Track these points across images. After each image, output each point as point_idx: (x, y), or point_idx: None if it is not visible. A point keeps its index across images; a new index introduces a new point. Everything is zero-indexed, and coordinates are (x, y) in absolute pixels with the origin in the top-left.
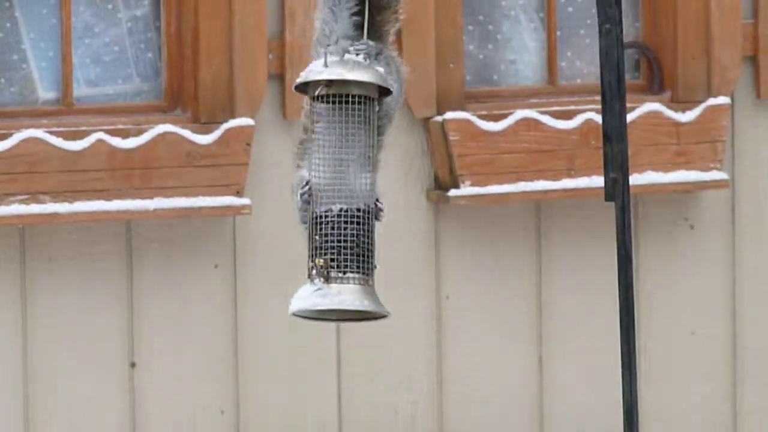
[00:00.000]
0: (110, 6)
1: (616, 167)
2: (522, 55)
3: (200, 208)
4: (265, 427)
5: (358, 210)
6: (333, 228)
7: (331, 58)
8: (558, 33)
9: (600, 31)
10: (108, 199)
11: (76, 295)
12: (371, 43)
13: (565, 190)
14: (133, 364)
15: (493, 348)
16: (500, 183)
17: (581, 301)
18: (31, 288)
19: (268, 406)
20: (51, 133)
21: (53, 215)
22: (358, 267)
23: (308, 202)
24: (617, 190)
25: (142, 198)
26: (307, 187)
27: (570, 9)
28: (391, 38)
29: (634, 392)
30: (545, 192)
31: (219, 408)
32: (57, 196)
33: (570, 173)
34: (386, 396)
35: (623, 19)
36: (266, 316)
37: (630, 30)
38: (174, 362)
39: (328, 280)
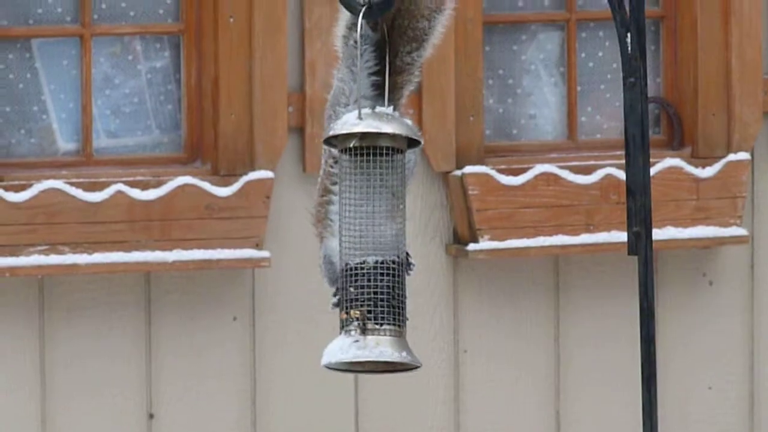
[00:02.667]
0: (130, 57)
1: (639, 221)
2: (542, 109)
3: (219, 261)
4: None
5: (393, 262)
6: (369, 280)
7: (364, 111)
8: (578, 88)
9: (624, 84)
10: (127, 250)
11: (95, 345)
12: (393, 111)
13: (584, 245)
14: (151, 416)
15: (510, 402)
16: (519, 237)
17: (599, 355)
18: (50, 338)
19: None
20: (70, 184)
21: (72, 266)
22: (393, 319)
23: (338, 303)
24: (640, 244)
25: (162, 250)
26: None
27: (591, 64)
28: (405, 100)
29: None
30: (564, 247)
31: None
32: (76, 246)
33: (589, 228)
34: (407, 430)
35: (648, 75)
36: (284, 368)
37: (651, 85)
38: (192, 414)
39: (365, 332)
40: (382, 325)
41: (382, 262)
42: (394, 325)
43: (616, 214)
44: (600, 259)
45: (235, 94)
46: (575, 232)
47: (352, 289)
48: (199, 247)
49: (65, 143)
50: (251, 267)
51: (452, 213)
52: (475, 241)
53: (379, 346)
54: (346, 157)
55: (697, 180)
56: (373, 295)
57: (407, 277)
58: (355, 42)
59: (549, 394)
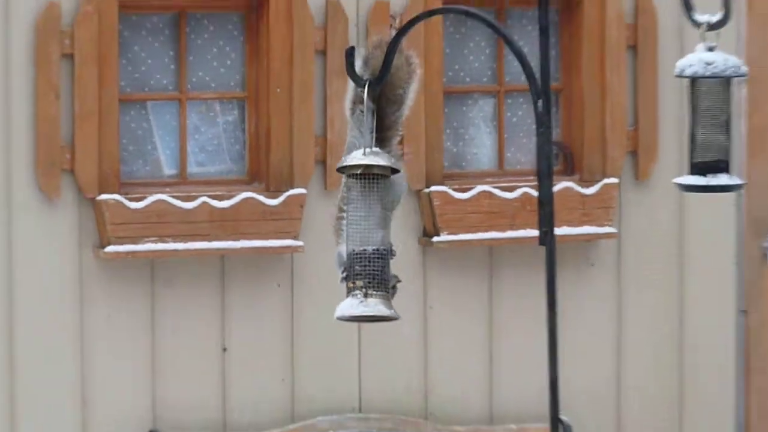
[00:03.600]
0: (211, 114)
1: (546, 223)
2: (481, 149)
3: (269, 248)
4: (312, 390)
5: (384, 251)
6: (369, 262)
7: (369, 151)
8: (505, 135)
9: (537, 133)
10: (209, 241)
11: (187, 303)
12: (394, 155)
13: (509, 239)
14: (224, 349)
15: (460, 342)
16: (466, 233)
17: (520, 311)
18: (158, 300)
19: (313, 377)
20: (172, 197)
21: (174, 251)
22: (384, 288)
23: (345, 277)
24: (547, 239)
25: (232, 240)
26: (343, 269)
27: (514, 119)
28: (397, 142)
29: (556, 372)
30: (496, 239)
31: (280, 380)
32: (176, 238)
33: (513, 227)
34: (391, 369)
35: (553, 126)
36: (313, 320)
37: (554, 134)
38: (252, 348)
39: (366, 296)
40: (377, 291)
41: (376, 250)
42: (384, 291)
43: (531, 218)
44: (518, 248)
45: (280, 138)
46: (503, 230)
47: (357, 267)
48: (257, 239)
49: (168, 170)
50: (290, 252)
51: (422, 216)
52: (438, 235)
53: (377, 305)
54: (353, 180)
55: (583, 196)
56: (372, 271)
57: (391, 261)
58: (361, 111)
59: (486, 336)
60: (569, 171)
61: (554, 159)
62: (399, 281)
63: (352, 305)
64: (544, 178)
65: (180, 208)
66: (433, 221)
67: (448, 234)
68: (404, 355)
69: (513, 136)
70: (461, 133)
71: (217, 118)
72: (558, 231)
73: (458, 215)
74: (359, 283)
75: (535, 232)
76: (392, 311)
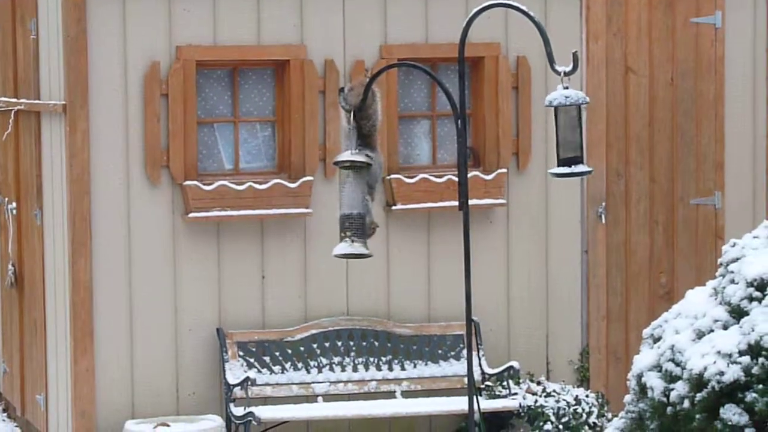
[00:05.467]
0: (254, 130)
1: (463, 196)
2: (422, 151)
3: (292, 214)
4: (318, 301)
5: (364, 213)
6: (354, 220)
7: (354, 152)
8: (437, 143)
9: (457, 141)
10: (253, 209)
11: (240, 251)
12: (370, 153)
13: (440, 207)
14: (263, 277)
15: (409, 268)
16: (413, 204)
17: (449, 251)
18: (222, 248)
19: (318, 293)
20: (230, 182)
21: (230, 216)
22: (364, 237)
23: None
24: (464, 207)
25: (267, 209)
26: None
27: (442, 133)
28: (377, 144)
29: (470, 289)
30: (431, 208)
31: (298, 295)
32: (231, 208)
33: (442, 200)
34: (367, 287)
35: (467, 137)
36: (318, 258)
37: (468, 140)
38: (283, 277)
39: (353, 241)
40: (359, 239)
41: (359, 213)
42: (364, 239)
43: (454, 194)
44: (446, 213)
45: (296, 146)
46: (436, 202)
47: (347, 224)
48: (283, 208)
49: (227, 164)
50: (304, 217)
51: (386, 193)
52: (395, 205)
53: (359, 248)
54: (344, 170)
55: (485, 180)
56: (356, 227)
57: (377, 231)
58: (350, 125)
59: (426, 267)
60: (477, 164)
61: (468, 157)
62: (377, 226)
63: (344, 247)
64: (461, 169)
65: (235, 189)
66: (392, 196)
67: (402, 204)
68: (375, 279)
69: (442, 143)
70: (409, 141)
71: (257, 134)
72: (470, 202)
73: (408, 192)
74: (348, 233)
75: (456, 203)
76: (369, 251)
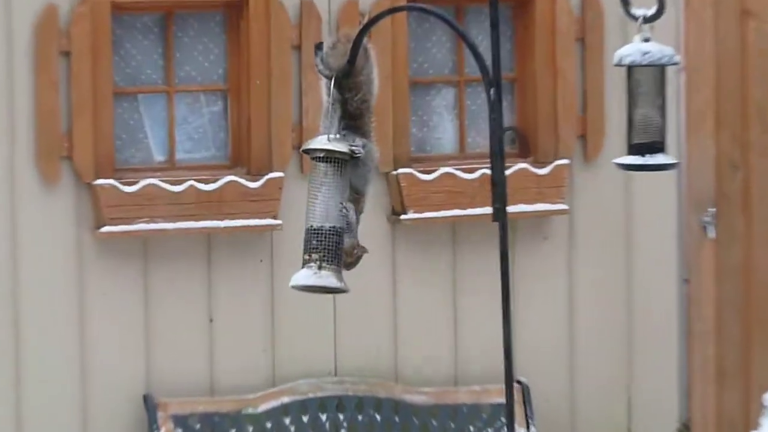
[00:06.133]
0: (197, 105)
1: (499, 201)
2: (444, 134)
3: (252, 226)
4: (292, 356)
5: (340, 228)
6: (325, 237)
7: (333, 137)
8: (466, 122)
9: (490, 119)
10: (196, 221)
11: (177, 278)
12: (361, 140)
13: (469, 216)
14: (211, 320)
15: (426, 310)
16: (431, 211)
17: (480, 281)
18: (150, 275)
19: (292, 344)
20: (162, 181)
21: (163, 230)
22: (338, 263)
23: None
24: (500, 215)
25: (217, 220)
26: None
27: (473, 107)
28: (370, 128)
29: (509, 335)
30: (457, 217)
31: (262, 347)
32: (166, 219)
33: (472, 205)
34: (364, 336)
35: (504, 113)
36: (291, 292)
37: (509, 119)
38: (237, 319)
39: (321, 268)
40: (331, 264)
41: (332, 227)
42: (337, 265)
43: (488, 197)
44: (479, 224)
45: (260, 127)
46: (464, 208)
47: (314, 242)
48: (239, 218)
49: (158, 156)
50: (270, 230)
51: (391, 196)
52: (405, 213)
53: (329, 278)
54: (317, 162)
55: (537, 176)
56: (327, 246)
57: (366, 255)
58: (330, 98)
59: (450, 304)
60: (524, 153)
61: (510, 142)
62: (365, 251)
63: (306, 276)
64: (496, 159)
65: (169, 191)
66: (400, 201)
67: (414, 212)
68: (375, 323)
69: (473, 122)
70: (425, 120)
71: (202, 109)
72: (513, 208)
73: (423, 195)
74: (315, 256)
75: (491, 210)
76: (342, 284)
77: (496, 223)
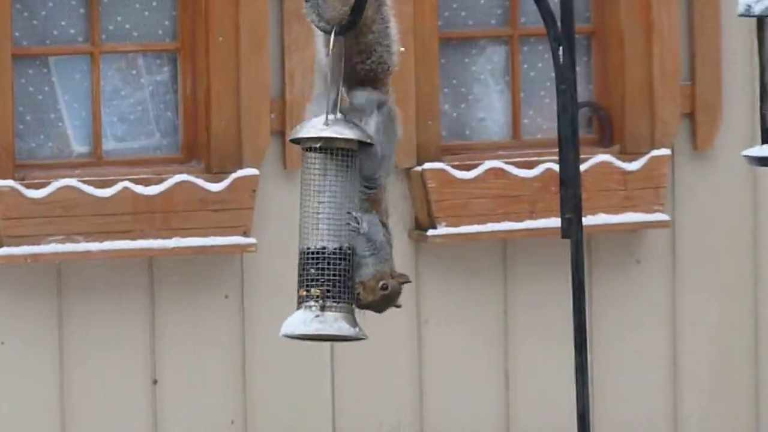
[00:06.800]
0: (134, 72)
1: (571, 209)
2: (490, 113)
3: (212, 247)
4: (281, 409)
5: (350, 248)
6: (329, 263)
7: (331, 116)
8: (521, 94)
9: (557, 91)
10: (132, 238)
11: (105, 322)
12: (369, 94)
13: (527, 230)
14: (155, 381)
15: (465, 364)
16: (471, 224)
17: (541, 326)
18: (66, 316)
19: (273, 417)
20: (83, 182)
21: (86, 253)
22: (348, 298)
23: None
24: (572, 229)
25: (162, 238)
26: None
27: (532, 73)
28: (388, 86)
29: (587, 402)
30: (510, 232)
31: (230, 418)
32: (89, 236)
33: (532, 215)
34: (374, 409)
35: (578, 82)
36: (270, 340)
37: (584, 91)
38: (190, 380)
39: (324, 308)
40: (339, 303)
41: (339, 248)
42: (348, 303)
43: (555, 202)
44: (541, 242)
45: (224, 102)
46: (519, 219)
47: (313, 270)
48: (194, 235)
49: (78, 146)
50: (240, 252)
51: (414, 203)
52: (434, 227)
53: (337, 322)
54: (311, 155)
55: (625, 173)
56: (333, 276)
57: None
58: (333, 66)
59: (498, 356)
60: (606, 141)
61: (587, 124)
62: (403, 282)
63: (305, 320)
64: (567, 150)
65: (94, 196)
66: (427, 209)
67: (448, 226)
68: (392, 384)
69: (532, 96)
70: (463, 92)
71: (141, 78)
72: (591, 219)
73: (461, 201)
74: (314, 291)
75: (558, 222)
76: (357, 330)
77: (567, 241)
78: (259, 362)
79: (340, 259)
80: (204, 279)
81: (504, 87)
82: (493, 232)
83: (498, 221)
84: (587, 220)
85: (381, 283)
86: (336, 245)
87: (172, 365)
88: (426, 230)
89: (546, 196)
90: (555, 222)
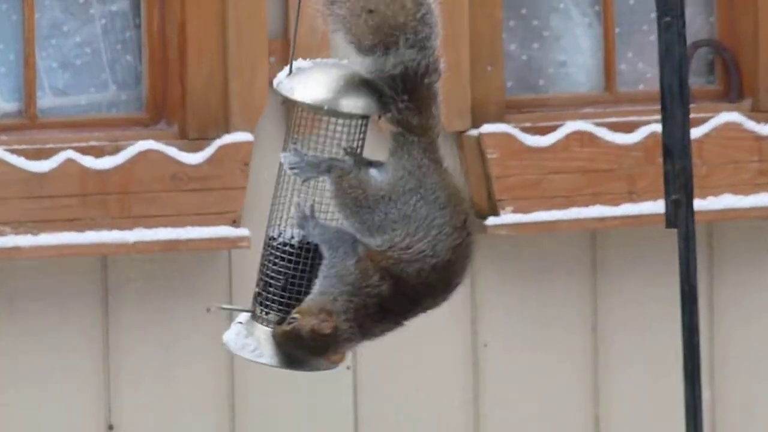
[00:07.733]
0: (81, 0)
1: (679, 187)
2: (574, 56)
3: (189, 241)
4: None
5: (308, 244)
6: (270, 257)
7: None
8: (617, 29)
9: (659, 25)
10: (79, 229)
11: (41, 343)
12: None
13: (625, 217)
14: (110, 427)
15: (540, 404)
16: (548, 209)
17: (644, 347)
18: (6, 347)
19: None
20: (11, 151)
21: (14, 249)
22: (280, 309)
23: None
24: (680, 215)
25: (120, 229)
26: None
27: (631, 1)
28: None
29: (699, 427)
30: (602, 219)
31: None
32: (19, 226)
33: (632, 197)
34: (412, 411)
35: (695, 14)
36: (268, 368)
37: (703, 27)
38: (159, 424)
39: (254, 316)
40: (268, 314)
41: (296, 241)
42: (279, 314)
43: (659, 180)
44: (645, 233)
45: (205, 41)
46: (615, 202)
47: (268, 267)
48: (165, 225)
49: (5, 103)
50: (227, 248)
51: (467, 180)
52: (496, 213)
53: (260, 347)
54: (302, 116)
55: (759, 138)
56: (268, 276)
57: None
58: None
59: (586, 394)
60: (734, 94)
61: (705, 72)
62: (338, 359)
63: (239, 333)
64: (673, 106)
65: (25, 171)
66: (486, 189)
67: (515, 211)
68: (439, 420)
69: (630, 32)
70: (536, 27)
71: (90, 9)
72: (713, 202)
73: (533, 177)
74: (261, 295)
75: (662, 205)
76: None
77: (673, 232)
78: (254, 400)
79: (284, 253)
80: (178, 286)
81: (593, 19)
82: (577, 220)
83: (585, 205)
84: (708, 204)
85: (324, 323)
86: (298, 237)
87: (133, 407)
88: (485, 218)
89: (651, 171)
90: (660, 206)
